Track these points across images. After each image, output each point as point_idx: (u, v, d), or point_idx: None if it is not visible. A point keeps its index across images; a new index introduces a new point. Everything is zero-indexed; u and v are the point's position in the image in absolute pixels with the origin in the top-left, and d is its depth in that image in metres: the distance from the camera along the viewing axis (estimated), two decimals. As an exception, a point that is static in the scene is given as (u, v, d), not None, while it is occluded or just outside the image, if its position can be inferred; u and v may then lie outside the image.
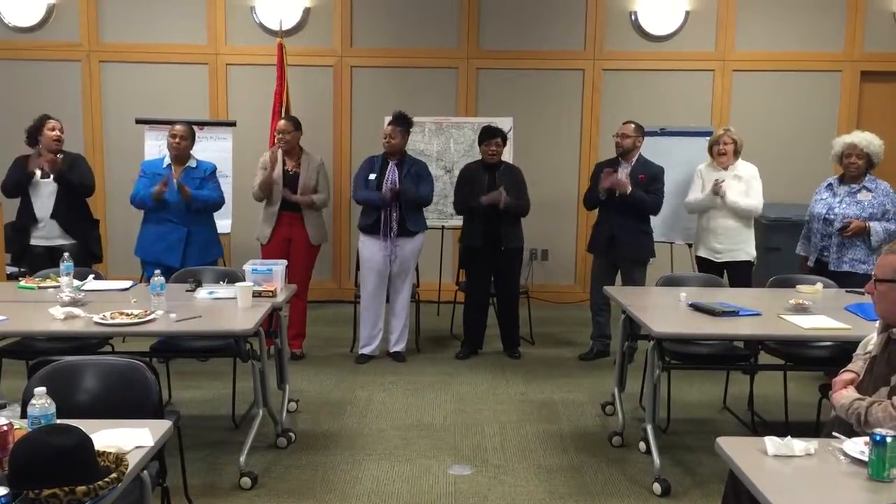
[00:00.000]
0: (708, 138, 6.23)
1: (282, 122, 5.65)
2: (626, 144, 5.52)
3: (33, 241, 5.29)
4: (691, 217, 6.12)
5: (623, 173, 5.50)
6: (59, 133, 5.26)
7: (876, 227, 4.78)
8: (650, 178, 5.47)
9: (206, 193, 5.27)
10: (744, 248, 5.40)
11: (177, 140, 5.22)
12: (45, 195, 5.26)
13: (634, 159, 5.54)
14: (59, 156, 5.29)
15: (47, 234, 5.28)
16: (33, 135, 5.28)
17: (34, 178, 5.23)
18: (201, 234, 5.29)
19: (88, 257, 5.42)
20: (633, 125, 5.56)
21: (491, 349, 5.92)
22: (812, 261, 5.07)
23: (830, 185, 5.07)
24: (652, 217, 5.61)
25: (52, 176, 5.20)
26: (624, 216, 5.47)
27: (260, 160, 5.66)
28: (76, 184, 5.28)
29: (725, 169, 5.39)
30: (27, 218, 5.28)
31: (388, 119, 5.61)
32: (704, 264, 5.50)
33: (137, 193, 5.26)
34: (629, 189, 5.38)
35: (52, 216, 5.25)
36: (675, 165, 5.73)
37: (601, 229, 5.63)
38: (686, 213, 6.08)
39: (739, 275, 5.40)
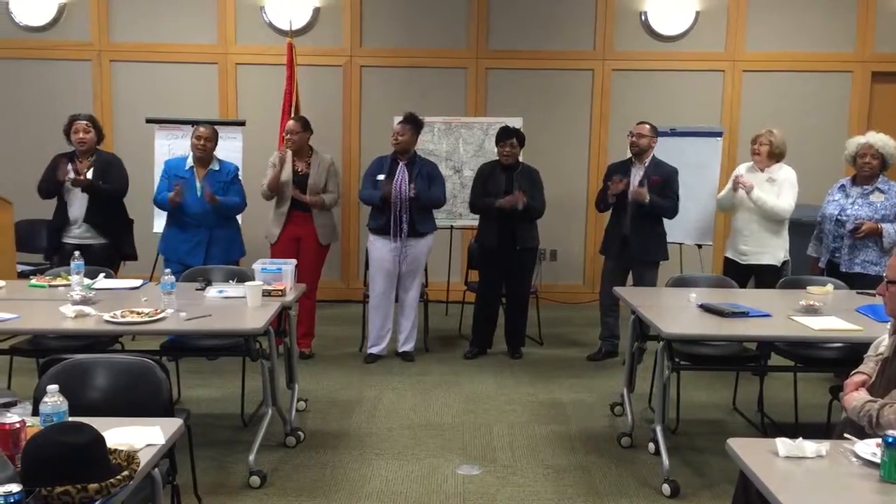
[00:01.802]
0: (719, 139, 6.22)
1: (290, 123, 5.65)
2: (641, 144, 5.49)
3: (67, 240, 5.33)
4: (702, 218, 6.12)
5: (636, 176, 5.48)
6: (82, 135, 5.26)
7: (888, 229, 4.76)
8: (664, 180, 5.44)
9: (232, 200, 5.32)
10: (770, 252, 5.26)
11: (202, 142, 5.23)
12: (78, 198, 5.29)
13: (648, 160, 5.51)
14: (91, 157, 5.31)
15: (81, 234, 5.32)
16: (67, 134, 5.32)
17: (66, 183, 5.26)
18: (224, 235, 5.34)
19: (119, 257, 5.48)
20: (647, 125, 5.53)
21: (499, 349, 5.92)
22: (824, 262, 5.04)
23: (843, 186, 5.04)
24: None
25: (77, 187, 5.23)
26: (637, 218, 5.45)
27: (270, 159, 5.67)
28: (106, 192, 5.32)
29: (762, 171, 5.30)
30: (62, 219, 5.34)
31: (397, 119, 5.61)
32: (730, 266, 5.37)
33: (158, 194, 5.34)
34: (647, 199, 5.35)
35: (85, 219, 5.29)
36: (685, 166, 5.70)
37: (614, 231, 5.61)
38: (698, 214, 6.07)
39: (765, 279, 5.23)
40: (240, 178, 5.49)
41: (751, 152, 5.38)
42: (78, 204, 5.29)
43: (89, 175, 5.25)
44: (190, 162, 5.31)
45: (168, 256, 5.35)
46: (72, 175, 5.15)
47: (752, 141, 5.41)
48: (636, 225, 5.46)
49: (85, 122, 5.30)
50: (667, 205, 5.43)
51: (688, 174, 5.74)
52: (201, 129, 5.27)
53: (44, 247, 5.80)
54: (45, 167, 5.35)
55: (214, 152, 5.36)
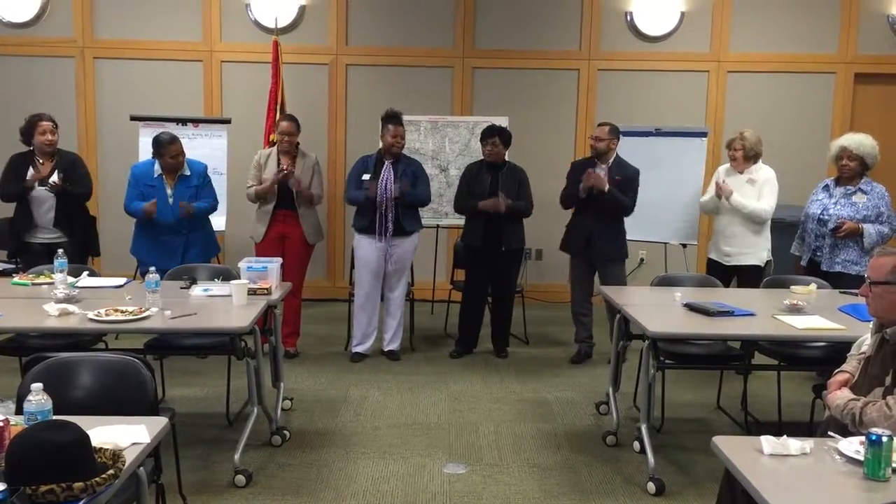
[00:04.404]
0: (704, 139, 6.25)
1: (285, 124, 5.54)
2: (599, 147, 5.49)
3: (32, 239, 5.27)
4: (687, 218, 6.15)
5: (601, 172, 5.49)
6: (49, 136, 5.17)
7: (869, 230, 4.80)
8: (625, 181, 5.45)
9: (205, 205, 5.24)
10: (753, 252, 5.30)
11: (179, 159, 5.11)
12: (45, 203, 5.21)
13: (611, 160, 5.52)
14: (54, 158, 5.25)
15: (47, 233, 5.27)
16: (27, 135, 5.22)
17: (33, 186, 5.19)
18: (200, 238, 5.29)
19: (86, 254, 5.44)
20: (607, 127, 5.52)
21: (485, 348, 5.92)
22: (805, 260, 5.08)
23: (827, 186, 5.08)
24: (650, 217, 5.59)
25: (53, 193, 5.17)
26: (599, 217, 5.46)
27: (254, 159, 5.64)
28: (76, 195, 5.27)
29: (741, 172, 5.35)
30: (26, 222, 5.25)
31: (382, 117, 5.58)
32: (714, 267, 5.41)
33: (129, 204, 5.16)
34: (606, 187, 5.36)
35: (55, 222, 5.24)
36: (669, 166, 5.74)
37: (577, 230, 5.63)
38: (682, 213, 6.10)
39: (749, 279, 5.29)
40: (209, 176, 5.38)
41: (728, 157, 5.44)
42: (45, 205, 5.21)
43: (54, 177, 5.17)
44: (158, 169, 5.14)
45: (142, 259, 5.25)
46: (32, 173, 5.09)
47: (726, 146, 5.48)
48: (599, 224, 5.47)
49: (51, 122, 5.21)
50: (625, 200, 5.43)
51: (672, 174, 5.77)
52: (172, 146, 5.06)
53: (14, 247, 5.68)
54: (3, 170, 5.26)
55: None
